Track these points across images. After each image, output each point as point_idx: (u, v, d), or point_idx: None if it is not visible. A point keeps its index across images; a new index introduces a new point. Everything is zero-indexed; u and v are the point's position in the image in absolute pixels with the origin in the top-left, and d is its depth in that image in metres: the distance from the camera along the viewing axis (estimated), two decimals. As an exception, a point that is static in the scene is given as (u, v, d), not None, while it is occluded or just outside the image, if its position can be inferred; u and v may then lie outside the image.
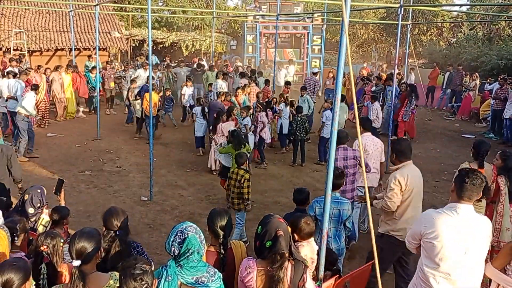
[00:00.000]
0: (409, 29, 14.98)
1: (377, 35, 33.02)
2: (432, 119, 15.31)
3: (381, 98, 12.65)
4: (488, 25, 26.32)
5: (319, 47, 21.88)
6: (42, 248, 2.99)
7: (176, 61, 18.86)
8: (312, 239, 3.52)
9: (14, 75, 10.94)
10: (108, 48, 19.67)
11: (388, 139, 9.22)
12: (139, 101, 11.34)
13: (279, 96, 11.28)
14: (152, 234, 6.31)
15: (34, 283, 2.79)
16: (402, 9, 9.96)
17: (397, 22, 10.32)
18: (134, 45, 24.47)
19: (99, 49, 14.97)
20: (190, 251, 2.60)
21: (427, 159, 10.49)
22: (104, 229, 3.21)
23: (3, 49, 16.20)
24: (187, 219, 4.68)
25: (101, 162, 9.51)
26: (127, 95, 12.80)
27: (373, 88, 13.26)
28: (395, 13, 18.55)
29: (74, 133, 11.87)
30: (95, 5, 12.01)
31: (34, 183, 6.14)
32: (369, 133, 6.41)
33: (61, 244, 3.08)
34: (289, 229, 2.94)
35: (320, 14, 22.02)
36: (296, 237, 3.43)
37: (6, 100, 10.43)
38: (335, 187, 4.45)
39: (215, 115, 9.17)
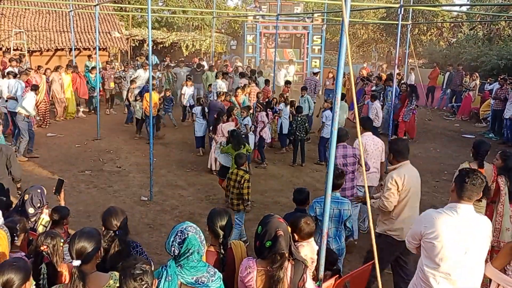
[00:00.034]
0: (409, 29, 14.99)
1: (377, 35, 33.02)
2: (432, 119, 15.31)
3: (381, 98, 12.66)
4: (488, 25, 26.32)
5: (319, 47, 21.88)
6: (42, 248, 2.99)
7: (176, 61, 18.85)
8: (312, 239, 3.52)
9: (15, 76, 10.95)
10: (108, 48, 19.67)
11: (388, 139, 9.22)
12: (139, 102, 11.33)
13: (279, 96, 11.29)
14: (152, 234, 6.31)
15: (34, 283, 2.79)
16: (402, 9, 9.97)
17: (397, 22, 10.33)
18: (134, 45, 24.48)
19: (99, 49, 14.98)
20: (190, 251, 2.60)
21: (427, 159, 10.49)
22: (103, 229, 3.21)
23: (3, 49, 16.19)
24: (187, 219, 4.68)
25: (101, 162, 9.52)
26: (127, 95, 12.80)
27: (373, 88, 13.27)
28: (395, 13, 18.55)
29: (74, 133, 11.87)
30: (95, 5, 12.01)
31: (34, 183, 6.14)
32: (370, 133, 6.42)
33: (61, 244, 3.08)
34: (289, 229, 2.94)
35: (320, 14, 22.02)
36: (296, 237, 3.43)
37: (6, 101, 10.44)
38: (335, 187, 4.46)
39: (215, 115, 9.17)
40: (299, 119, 9.70)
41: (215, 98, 10.96)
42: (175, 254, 2.63)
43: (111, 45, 19.59)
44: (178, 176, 8.90)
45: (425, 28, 29.61)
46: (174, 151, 10.63)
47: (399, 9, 9.93)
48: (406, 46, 19.10)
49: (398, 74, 13.43)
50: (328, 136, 8.17)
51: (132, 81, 12.94)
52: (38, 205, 4.22)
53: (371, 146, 6.27)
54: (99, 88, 13.26)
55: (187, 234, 2.62)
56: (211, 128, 9.43)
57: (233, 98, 10.80)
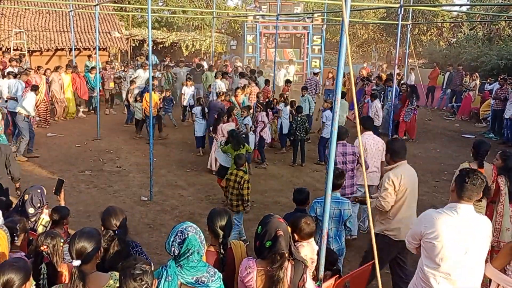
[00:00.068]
0: (409, 29, 14.99)
1: (377, 35, 33.02)
2: (432, 119, 15.31)
3: (381, 98, 12.66)
4: (488, 25, 26.32)
5: (319, 47, 21.88)
6: (42, 248, 2.99)
7: (175, 61, 18.84)
8: (312, 239, 3.52)
9: (15, 76, 10.95)
10: (108, 48, 19.67)
11: (388, 139, 9.21)
12: (139, 102, 11.33)
13: (279, 96, 11.29)
14: (152, 234, 6.31)
15: (34, 283, 2.79)
16: (402, 9, 9.97)
17: (397, 22, 10.33)
18: (134, 45, 24.48)
19: (99, 49, 14.98)
20: (190, 251, 2.60)
21: (427, 159, 10.50)
22: (102, 228, 3.21)
23: (3, 49, 16.19)
24: (187, 219, 4.68)
25: (101, 162, 9.52)
26: (126, 96, 12.80)
27: (373, 87, 13.27)
28: (395, 13, 18.55)
29: (74, 133, 11.87)
30: (95, 5, 12.02)
31: (34, 183, 6.14)
32: (370, 132, 6.43)
33: (61, 244, 3.08)
34: (289, 229, 2.94)
35: (320, 14, 22.02)
36: (296, 237, 3.43)
37: (6, 101, 10.44)
38: (335, 187, 4.46)
39: (215, 115, 9.16)
40: (299, 119, 9.70)
41: (215, 98, 10.96)
42: (175, 254, 2.63)
43: (111, 45, 19.59)
44: (178, 176, 8.90)
45: (425, 28, 29.62)
46: (174, 151, 10.63)
47: (399, 9, 9.93)
48: (406, 46, 19.10)
49: (398, 74, 13.44)
50: (328, 136, 8.15)
51: (132, 82, 12.94)
52: (38, 205, 4.22)
53: (371, 145, 6.27)
54: (99, 88, 13.26)
55: (187, 234, 2.62)
56: (211, 128, 9.43)
57: (233, 98, 10.80)
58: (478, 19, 25.89)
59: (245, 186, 5.80)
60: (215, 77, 13.18)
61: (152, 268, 2.56)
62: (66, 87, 13.16)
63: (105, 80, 14.18)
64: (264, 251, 2.77)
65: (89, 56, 16.79)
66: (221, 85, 12.55)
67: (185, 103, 12.94)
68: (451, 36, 31.01)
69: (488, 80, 16.36)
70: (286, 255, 2.74)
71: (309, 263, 3.30)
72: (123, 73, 15.18)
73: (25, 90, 10.34)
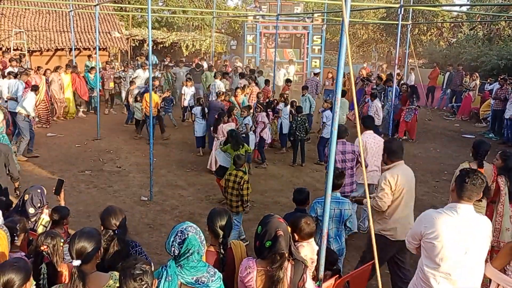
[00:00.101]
0: (409, 29, 14.99)
1: (377, 35, 33.02)
2: (432, 119, 15.31)
3: (382, 98, 12.67)
4: (488, 25, 26.33)
5: (319, 47, 21.87)
6: (42, 248, 2.99)
7: (174, 61, 18.84)
8: (312, 239, 3.52)
9: (15, 76, 10.95)
10: (108, 48, 19.67)
11: (388, 138, 9.21)
12: (139, 102, 11.33)
13: (279, 96, 11.29)
14: (152, 234, 6.31)
15: (34, 283, 2.79)
16: (402, 9, 9.98)
17: (397, 22, 10.33)
18: (134, 45, 24.48)
19: (99, 49, 14.98)
20: (190, 251, 2.61)
21: (427, 159, 10.50)
22: (102, 228, 3.21)
23: (3, 49, 16.19)
24: (187, 219, 4.68)
25: (101, 162, 9.52)
26: (127, 96, 12.79)
27: (374, 87, 13.28)
28: (395, 13, 18.55)
29: (74, 133, 11.87)
30: (95, 5, 12.02)
31: (34, 183, 6.15)
32: (371, 131, 6.44)
33: (61, 244, 3.08)
34: (289, 229, 2.94)
35: (320, 14, 22.02)
36: (297, 237, 3.43)
37: (6, 101, 10.44)
38: (335, 187, 4.47)
39: (216, 115, 9.16)
40: (299, 119, 9.70)
41: (215, 98, 10.96)
42: (175, 254, 2.63)
43: (111, 45, 19.59)
44: (178, 176, 8.90)
45: (425, 28, 29.61)
46: (174, 151, 10.63)
47: (399, 9, 9.94)
48: (406, 46, 19.10)
49: (398, 74, 13.44)
50: (328, 136, 8.18)
51: (132, 82, 12.94)
52: (39, 205, 4.22)
53: (371, 144, 6.28)
54: (99, 88, 13.26)
55: (187, 234, 2.62)
56: (212, 128, 9.43)
57: (232, 98, 10.80)
58: (478, 19, 25.89)
59: (245, 186, 5.79)
60: (214, 77, 13.18)
61: (152, 268, 2.56)
62: (66, 87, 13.16)
63: (105, 80, 14.17)
64: (264, 251, 2.77)
65: (89, 56, 16.80)
66: (220, 85, 12.55)
67: (185, 103, 12.92)
68: (451, 36, 31.01)
69: (488, 80, 16.36)
70: (286, 255, 2.74)
71: (309, 263, 3.30)
72: (123, 73, 15.18)
73: (25, 90, 10.34)
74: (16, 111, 9.58)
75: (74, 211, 6.34)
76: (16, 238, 3.30)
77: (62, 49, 17.94)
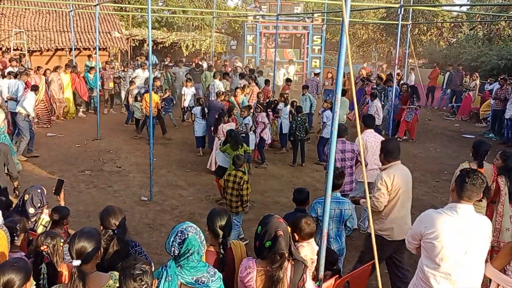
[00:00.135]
0: (409, 29, 15.00)
1: (377, 35, 33.01)
2: (432, 119, 15.32)
3: (382, 98, 12.67)
4: (488, 25, 26.33)
5: (319, 47, 21.87)
6: (42, 248, 3.00)
7: (174, 61, 18.84)
8: (312, 239, 3.52)
9: (15, 76, 10.95)
10: (108, 48, 19.67)
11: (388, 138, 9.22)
12: (139, 102, 11.32)
13: (279, 96, 11.29)
14: (152, 234, 6.31)
15: (34, 283, 2.79)
16: (402, 9, 9.98)
17: (397, 22, 10.34)
18: (134, 45, 24.47)
19: (99, 49, 14.98)
20: (190, 251, 2.61)
21: (427, 159, 10.50)
22: (101, 228, 3.21)
23: (3, 49, 16.19)
24: (187, 219, 4.68)
25: (101, 162, 9.52)
26: (126, 96, 12.78)
27: (374, 87, 13.28)
28: (395, 13, 18.55)
29: (74, 133, 11.87)
30: (95, 5, 12.02)
31: (34, 183, 6.16)
32: (372, 130, 6.44)
33: (61, 244, 3.08)
34: (289, 229, 2.94)
35: (320, 14, 22.01)
36: (297, 237, 3.43)
37: (6, 101, 10.44)
38: (335, 187, 4.47)
39: (216, 115, 9.15)
40: (299, 119, 9.70)
41: (215, 98, 10.96)
42: (175, 254, 2.63)
43: (111, 45, 19.59)
44: (178, 176, 8.90)
45: (425, 28, 29.61)
46: (174, 151, 10.63)
47: (399, 9, 9.94)
48: (406, 46, 19.10)
49: (398, 74, 13.45)
50: (328, 136, 8.18)
51: (132, 82, 12.93)
52: (39, 205, 4.22)
53: (372, 143, 6.28)
54: (99, 88, 13.26)
55: (187, 234, 2.62)
56: (212, 128, 9.43)
57: (232, 98, 10.80)
58: (478, 19, 25.89)
59: (245, 186, 5.79)
60: (214, 77, 13.17)
61: (152, 268, 2.56)
62: (65, 87, 13.15)
63: (105, 80, 14.17)
64: (264, 251, 2.77)
65: (89, 56, 16.81)
66: (219, 85, 12.55)
67: (185, 104, 12.88)
68: (451, 36, 31.01)
69: (488, 80, 16.36)
70: (286, 255, 2.74)
71: (309, 263, 3.30)
72: (123, 73, 15.18)
73: (25, 90, 10.34)
74: (16, 111, 9.58)
75: (74, 211, 6.34)
76: (16, 238, 3.30)
77: (62, 49, 17.94)
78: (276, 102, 10.94)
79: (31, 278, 2.57)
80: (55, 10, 18.80)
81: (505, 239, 4.67)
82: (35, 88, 10.23)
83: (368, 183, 6.15)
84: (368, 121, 6.54)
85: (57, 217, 4.00)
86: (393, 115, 11.23)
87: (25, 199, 4.20)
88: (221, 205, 6.88)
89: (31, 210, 4.17)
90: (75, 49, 15.56)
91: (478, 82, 16.40)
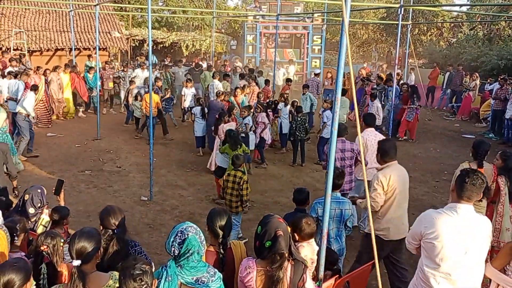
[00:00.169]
0: (409, 29, 15.00)
1: (377, 35, 33.02)
2: (432, 119, 15.31)
3: (382, 98, 12.68)
4: (488, 25, 26.33)
5: (319, 47, 21.87)
6: (42, 248, 3.00)
7: (173, 61, 18.84)
8: (312, 239, 3.51)
9: (15, 76, 10.95)
10: (108, 48, 19.66)
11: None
12: (138, 101, 11.32)
13: (279, 96, 11.28)
14: (152, 234, 6.31)
15: (34, 283, 2.79)
16: (402, 9, 9.98)
17: (397, 22, 10.34)
18: (134, 45, 24.46)
19: (99, 49, 14.98)
20: (190, 251, 2.61)
21: (427, 159, 10.49)
22: (101, 228, 3.21)
23: (3, 49, 16.19)
24: (187, 219, 4.68)
25: (101, 162, 9.52)
26: (126, 96, 12.77)
27: (374, 87, 13.28)
28: (395, 13, 18.55)
29: (74, 133, 11.87)
30: (95, 5, 12.02)
31: (34, 183, 6.16)
32: (372, 129, 6.45)
33: (61, 244, 3.08)
34: (289, 229, 2.94)
35: (320, 14, 22.01)
36: (297, 237, 3.43)
37: (6, 101, 10.43)
38: (335, 187, 4.47)
39: (216, 115, 9.15)
40: (299, 119, 9.70)
41: (215, 98, 10.95)
42: (175, 254, 2.63)
43: (111, 45, 19.58)
44: (178, 176, 8.90)
45: (425, 28, 29.62)
46: (174, 151, 10.63)
47: (399, 9, 9.94)
48: (406, 46, 19.11)
49: (398, 74, 13.46)
50: (327, 136, 8.19)
51: (131, 82, 12.92)
52: (39, 205, 4.22)
53: (372, 142, 6.27)
54: (99, 88, 13.26)
55: (187, 234, 2.62)
56: (212, 128, 9.42)
57: (232, 98, 10.80)
58: (478, 19, 25.90)
59: (245, 186, 5.79)
60: (213, 77, 13.16)
61: (153, 269, 2.56)
62: (65, 86, 13.15)
63: (104, 80, 14.16)
64: (264, 251, 2.77)
65: (89, 56, 16.79)
66: (218, 85, 12.54)
67: (185, 104, 12.85)
68: (451, 36, 31.02)
69: (488, 80, 16.36)
70: (286, 255, 2.74)
71: (309, 263, 3.30)
72: (122, 73, 15.17)
73: (25, 90, 10.34)
74: (16, 111, 9.58)
75: (74, 211, 6.34)
76: (16, 238, 3.30)
77: (62, 49, 17.94)
78: (276, 102, 10.94)
79: (31, 278, 2.57)
80: (55, 10, 18.80)
81: (505, 239, 4.67)
82: (34, 88, 10.23)
83: (368, 181, 6.18)
84: (368, 120, 6.54)
85: (57, 217, 4.00)
86: (393, 115, 11.23)
87: (25, 199, 4.20)
88: (218, 205, 6.89)
89: (31, 210, 4.17)
90: (75, 49, 15.56)
91: (478, 82, 16.40)
